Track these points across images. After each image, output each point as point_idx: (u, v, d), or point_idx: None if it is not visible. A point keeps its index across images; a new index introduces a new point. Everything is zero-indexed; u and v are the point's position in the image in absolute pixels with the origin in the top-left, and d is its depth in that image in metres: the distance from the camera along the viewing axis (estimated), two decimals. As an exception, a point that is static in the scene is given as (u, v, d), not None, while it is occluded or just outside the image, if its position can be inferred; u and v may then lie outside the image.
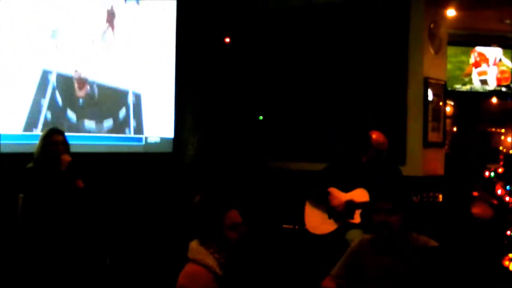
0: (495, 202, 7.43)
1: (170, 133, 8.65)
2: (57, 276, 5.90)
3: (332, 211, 6.47)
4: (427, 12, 8.31)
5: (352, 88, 8.57)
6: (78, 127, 7.38)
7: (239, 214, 4.12)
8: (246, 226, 4.11)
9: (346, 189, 6.47)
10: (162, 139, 8.54)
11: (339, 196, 6.47)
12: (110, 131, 7.81)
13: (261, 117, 9.28)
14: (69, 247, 6.02)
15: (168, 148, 8.63)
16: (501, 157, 9.35)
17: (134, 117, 8.15)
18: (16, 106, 6.72)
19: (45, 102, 6.99)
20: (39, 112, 6.94)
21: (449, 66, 10.59)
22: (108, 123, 7.79)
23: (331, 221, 6.48)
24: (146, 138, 8.33)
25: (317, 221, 6.57)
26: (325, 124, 8.72)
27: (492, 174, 8.71)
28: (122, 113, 7.98)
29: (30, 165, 6.13)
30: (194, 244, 4.11)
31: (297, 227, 7.32)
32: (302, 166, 8.54)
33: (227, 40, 9.24)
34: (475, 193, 5.43)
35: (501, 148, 11.82)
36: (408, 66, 8.21)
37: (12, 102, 6.66)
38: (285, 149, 9.04)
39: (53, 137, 6.19)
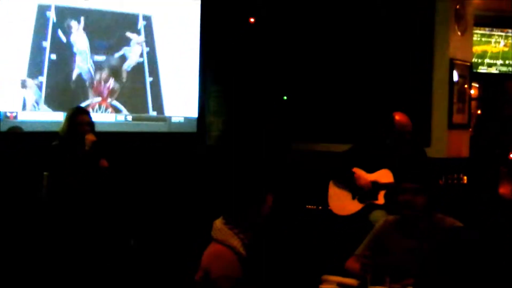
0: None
1: (194, 113, 8.65)
2: (81, 255, 5.94)
3: (356, 191, 6.45)
4: (454, -7, 8.24)
5: (378, 69, 8.51)
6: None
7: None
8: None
9: (370, 170, 6.45)
10: (186, 118, 8.54)
11: (365, 176, 6.45)
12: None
13: (285, 97, 9.26)
14: (93, 227, 6.06)
15: (192, 128, 8.63)
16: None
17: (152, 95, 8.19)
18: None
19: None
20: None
21: (474, 47, 10.51)
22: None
23: (355, 201, 6.46)
24: (170, 117, 8.34)
25: (340, 202, 6.56)
26: (350, 105, 8.67)
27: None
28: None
29: (55, 142, 6.18)
30: (218, 224, 4.08)
31: (320, 207, 7.31)
32: (326, 147, 8.52)
33: (252, 20, 9.20)
34: (503, 170, 5.41)
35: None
36: (434, 47, 8.14)
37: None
38: (309, 130, 9.01)
39: (79, 117, 6.25)
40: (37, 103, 6.99)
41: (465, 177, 6.01)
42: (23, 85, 6.89)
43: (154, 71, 8.15)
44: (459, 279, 3.10)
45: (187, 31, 8.58)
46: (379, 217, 5.55)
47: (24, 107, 6.90)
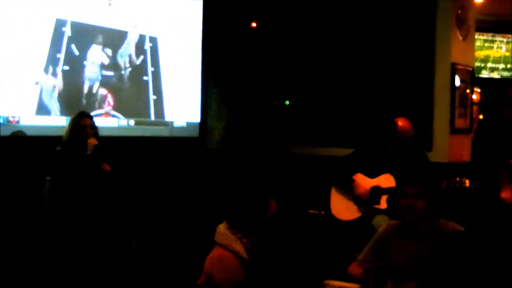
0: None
1: (196, 118, 8.67)
2: (83, 258, 5.94)
3: (357, 198, 6.45)
4: (455, -2, 8.24)
5: (379, 74, 8.51)
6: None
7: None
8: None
9: (372, 175, 6.44)
10: (188, 123, 8.55)
11: (365, 182, 6.45)
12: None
13: (287, 102, 9.26)
14: (95, 230, 6.07)
15: (195, 133, 8.65)
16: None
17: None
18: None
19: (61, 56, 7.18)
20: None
21: (477, 52, 10.53)
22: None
23: (357, 207, 6.46)
24: (172, 122, 8.37)
25: (343, 207, 6.56)
26: (352, 110, 8.68)
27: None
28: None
29: (58, 148, 6.19)
30: (221, 228, 4.10)
31: (323, 212, 7.31)
32: (328, 151, 8.50)
33: (254, 25, 9.21)
34: (504, 174, 5.38)
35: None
36: (436, 52, 8.13)
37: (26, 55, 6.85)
38: (311, 135, 9.02)
39: (81, 121, 6.26)
40: (49, 109, 7.04)
41: (467, 181, 6.00)
42: (39, 89, 6.97)
43: (157, 87, 8.25)
44: (461, 283, 3.11)
45: (188, 31, 8.65)
46: (381, 222, 5.55)
47: (36, 112, 6.95)
